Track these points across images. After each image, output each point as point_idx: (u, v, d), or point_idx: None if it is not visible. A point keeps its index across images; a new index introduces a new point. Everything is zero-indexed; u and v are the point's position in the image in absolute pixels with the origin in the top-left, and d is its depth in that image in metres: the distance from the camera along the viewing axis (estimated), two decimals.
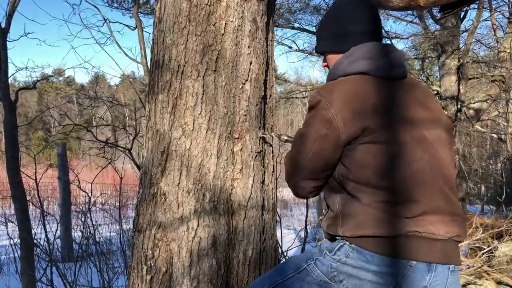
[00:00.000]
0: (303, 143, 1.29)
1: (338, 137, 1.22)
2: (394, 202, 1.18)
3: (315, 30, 8.12)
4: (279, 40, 8.64)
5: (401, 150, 1.20)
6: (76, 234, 5.02)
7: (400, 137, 1.21)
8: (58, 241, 4.65)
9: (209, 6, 1.55)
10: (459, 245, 1.27)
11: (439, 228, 1.18)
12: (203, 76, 1.55)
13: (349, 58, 1.31)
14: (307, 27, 8.45)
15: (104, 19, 4.92)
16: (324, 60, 1.46)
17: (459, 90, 7.45)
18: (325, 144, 1.24)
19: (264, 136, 1.68)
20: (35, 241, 3.60)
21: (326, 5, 7.69)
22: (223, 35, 1.56)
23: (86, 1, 4.85)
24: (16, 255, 4.21)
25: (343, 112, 1.21)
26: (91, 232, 3.85)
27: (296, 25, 8.32)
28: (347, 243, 1.22)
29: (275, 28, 1.97)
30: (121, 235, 3.69)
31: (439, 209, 1.20)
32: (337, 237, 1.27)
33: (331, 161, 1.27)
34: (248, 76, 1.62)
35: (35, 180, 3.53)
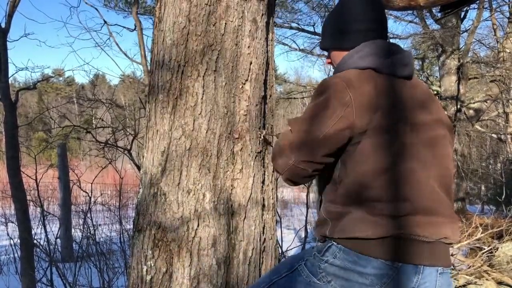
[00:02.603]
0: (316, 123, 1.22)
1: (352, 122, 1.19)
2: (383, 200, 1.17)
3: (313, 30, 8.13)
4: (279, 40, 8.66)
5: (398, 149, 1.19)
6: (76, 234, 5.02)
7: (399, 137, 1.20)
8: (58, 241, 4.64)
9: (209, 6, 1.55)
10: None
11: (425, 230, 1.17)
12: (203, 76, 1.55)
13: (359, 53, 1.29)
14: (305, 27, 8.46)
15: (104, 21, 4.92)
16: (328, 57, 1.44)
17: (459, 90, 7.45)
18: (340, 126, 1.20)
19: (264, 136, 1.68)
20: (35, 241, 3.60)
21: (325, 6, 7.68)
22: (223, 35, 1.56)
23: (86, 3, 4.83)
24: (16, 255, 4.21)
25: (360, 100, 1.19)
26: (91, 232, 3.85)
27: (294, 25, 8.33)
28: (334, 243, 1.23)
29: (274, 27, 1.97)
30: (121, 235, 3.69)
31: (428, 209, 1.19)
32: (327, 238, 1.27)
33: (340, 145, 1.23)
34: (248, 76, 1.62)
35: (36, 180, 3.53)
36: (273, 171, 1.78)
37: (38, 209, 3.91)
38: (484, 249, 3.99)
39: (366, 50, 1.29)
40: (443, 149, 1.27)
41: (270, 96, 1.79)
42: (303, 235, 3.69)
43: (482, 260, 3.86)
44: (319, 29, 9.05)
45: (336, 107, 1.20)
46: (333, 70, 1.39)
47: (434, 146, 1.24)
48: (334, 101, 1.21)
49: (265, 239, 1.71)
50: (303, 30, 8.47)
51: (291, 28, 8.41)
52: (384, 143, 1.19)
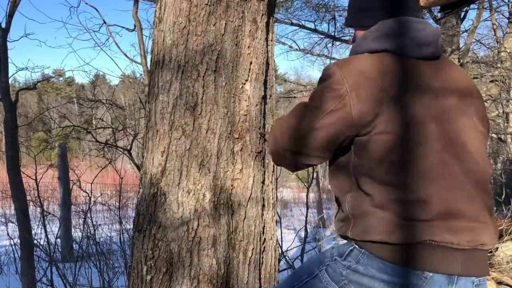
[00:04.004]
0: (306, 115, 1.17)
1: (348, 116, 1.10)
2: (407, 201, 1.06)
3: (313, 27, 8.13)
4: (279, 39, 8.66)
5: (418, 142, 1.07)
6: (76, 234, 5.03)
7: (418, 128, 1.08)
8: (58, 241, 4.65)
9: (209, 6, 1.55)
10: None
11: (459, 237, 1.05)
12: (203, 76, 1.55)
13: (374, 33, 1.18)
14: (306, 23, 8.45)
15: (104, 21, 4.92)
16: (354, 37, 1.32)
17: None
18: (330, 121, 1.12)
19: (264, 136, 1.68)
20: (35, 241, 3.61)
21: (324, 6, 7.69)
22: (223, 35, 1.56)
23: (86, 3, 4.83)
24: (16, 255, 4.22)
25: (359, 90, 1.09)
26: (91, 232, 3.85)
27: (295, 21, 8.32)
28: (357, 247, 1.13)
29: (274, 23, 1.97)
30: (121, 235, 3.69)
31: (459, 212, 1.06)
32: (348, 239, 1.18)
33: (332, 141, 1.15)
34: (248, 76, 1.62)
35: (35, 180, 3.54)
36: (273, 171, 1.78)
37: (38, 209, 3.92)
38: None
39: (382, 30, 1.18)
40: (474, 141, 1.13)
41: (270, 96, 1.79)
42: (303, 235, 3.68)
43: None
44: (319, 26, 9.04)
45: (328, 100, 1.13)
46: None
47: (462, 137, 1.11)
48: (328, 93, 1.14)
49: (265, 239, 1.71)
50: (303, 27, 8.45)
51: (291, 24, 8.37)
52: (400, 137, 1.08)
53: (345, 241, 1.21)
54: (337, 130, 1.14)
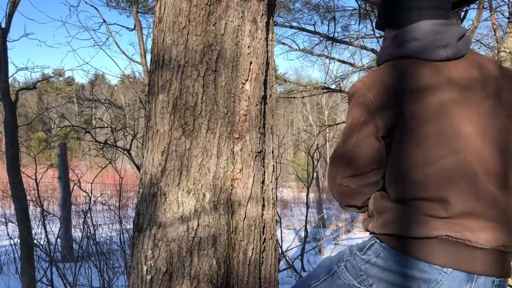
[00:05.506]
0: (345, 133, 1.20)
1: (377, 123, 1.14)
2: (426, 199, 1.08)
3: (313, 29, 8.13)
4: (279, 39, 8.65)
5: (432, 144, 1.09)
6: (76, 234, 5.03)
7: (433, 130, 1.09)
8: (58, 241, 4.65)
9: (209, 6, 1.55)
10: None
11: (478, 236, 1.05)
12: (203, 76, 1.55)
13: (395, 40, 1.21)
14: (306, 26, 8.45)
15: (103, 20, 4.92)
16: (384, 38, 1.32)
17: None
18: (366, 132, 1.15)
19: (264, 136, 1.68)
20: (35, 241, 3.61)
21: (325, 7, 7.68)
22: (223, 35, 1.56)
23: (86, 2, 4.83)
24: (16, 255, 4.22)
25: (381, 96, 1.13)
26: (91, 232, 3.85)
27: (295, 24, 8.32)
28: (377, 241, 1.15)
29: (274, 27, 1.97)
30: (121, 235, 3.69)
31: (478, 212, 1.06)
32: (370, 234, 1.20)
33: (376, 151, 1.17)
34: (248, 76, 1.62)
35: (35, 180, 3.54)
36: (273, 171, 1.78)
37: (38, 209, 3.92)
38: None
39: (406, 35, 1.19)
40: (496, 140, 1.11)
41: (270, 96, 1.79)
42: (303, 235, 3.69)
43: None
44: (319, 28, 9.05)
45: (357, 113, 1.17)
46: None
47: (478, 138, 1.10)
48: (355, 106, 1.18)
49: (265, 239, 1.71)
50: (303, 29, 8.45)
51: (291, 27, 8.38)
52: (417, 139, 1.10)
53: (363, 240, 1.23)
54: (375, 138, 1.16)
